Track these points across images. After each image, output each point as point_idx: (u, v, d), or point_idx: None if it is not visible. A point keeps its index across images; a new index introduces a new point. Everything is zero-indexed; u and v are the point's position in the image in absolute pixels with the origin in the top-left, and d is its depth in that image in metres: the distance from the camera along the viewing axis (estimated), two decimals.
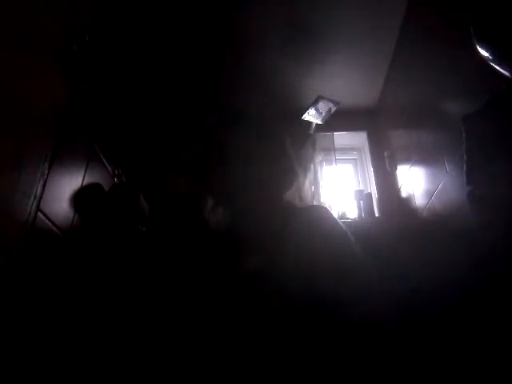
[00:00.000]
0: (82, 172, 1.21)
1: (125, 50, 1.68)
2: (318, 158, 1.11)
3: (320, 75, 2.14)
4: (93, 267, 1.23)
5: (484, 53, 0.86)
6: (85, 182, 1.22)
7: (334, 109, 2.14)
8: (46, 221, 0.97)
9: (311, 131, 1.90)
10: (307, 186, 1.01)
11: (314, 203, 1.07)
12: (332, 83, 2.19)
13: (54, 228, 1.01)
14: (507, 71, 0.82)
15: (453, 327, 1.26)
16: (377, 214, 2.27)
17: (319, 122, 2.19)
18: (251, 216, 0.91)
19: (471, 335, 1.15)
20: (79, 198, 1.16)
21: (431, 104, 1.54)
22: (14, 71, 0.85)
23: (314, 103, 2.09)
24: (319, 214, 0.85)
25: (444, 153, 1.41)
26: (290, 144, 0.97)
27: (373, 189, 2.39)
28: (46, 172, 0.97)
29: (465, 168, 1.05)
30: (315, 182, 1.08)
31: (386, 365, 0.67)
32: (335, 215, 0.88)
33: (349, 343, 0.69)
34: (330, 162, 2.39)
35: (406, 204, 1.93)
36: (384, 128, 2.32)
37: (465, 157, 1.05)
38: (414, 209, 1.81)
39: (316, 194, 1.12)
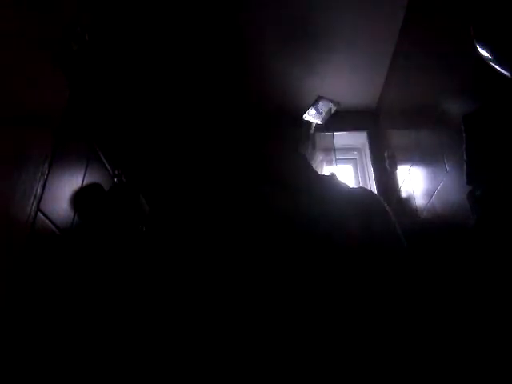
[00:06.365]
0: (82, 172, 1.21)
1: (125, 49, 1.68)
2: (319, 157, 1.12)
3: (320, 75, 2.13)
4: (93, 267, 1.23)
5: (484, 53, 0.85)
6: (85, 182, 1.22)
7: (334, 109, 2.14)
8: (46, 221, 0.97)
9: (311, 131, 1.91)
10: None
11: None
12: (332, 83, 2.18)
13: (53, 228, 1.01)
14: (507, 71, 0.82)
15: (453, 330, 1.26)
16: None
17: (319, 122, 2.18)
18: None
19: (469, 337, 1.15)
20: (79, 198, 1.16)
21: (431, 104, 1.53)
22: (14, 71, 0.85)
23: (315, 103, 2.08)
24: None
25: (444, 153, 1.41)
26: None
27: (373, 189, 2.39)
28: (46, 172, 0.97)
29: (465, 168, 1.05)
30: None
31: None
32: None
33: None
34: (330, 162, 2.38)
35: (406, 204, 1.93)
36: (384, 128, 2.32)
37: (465, 157, 1.04)
38: (413, 209, 1.80)
39: None
